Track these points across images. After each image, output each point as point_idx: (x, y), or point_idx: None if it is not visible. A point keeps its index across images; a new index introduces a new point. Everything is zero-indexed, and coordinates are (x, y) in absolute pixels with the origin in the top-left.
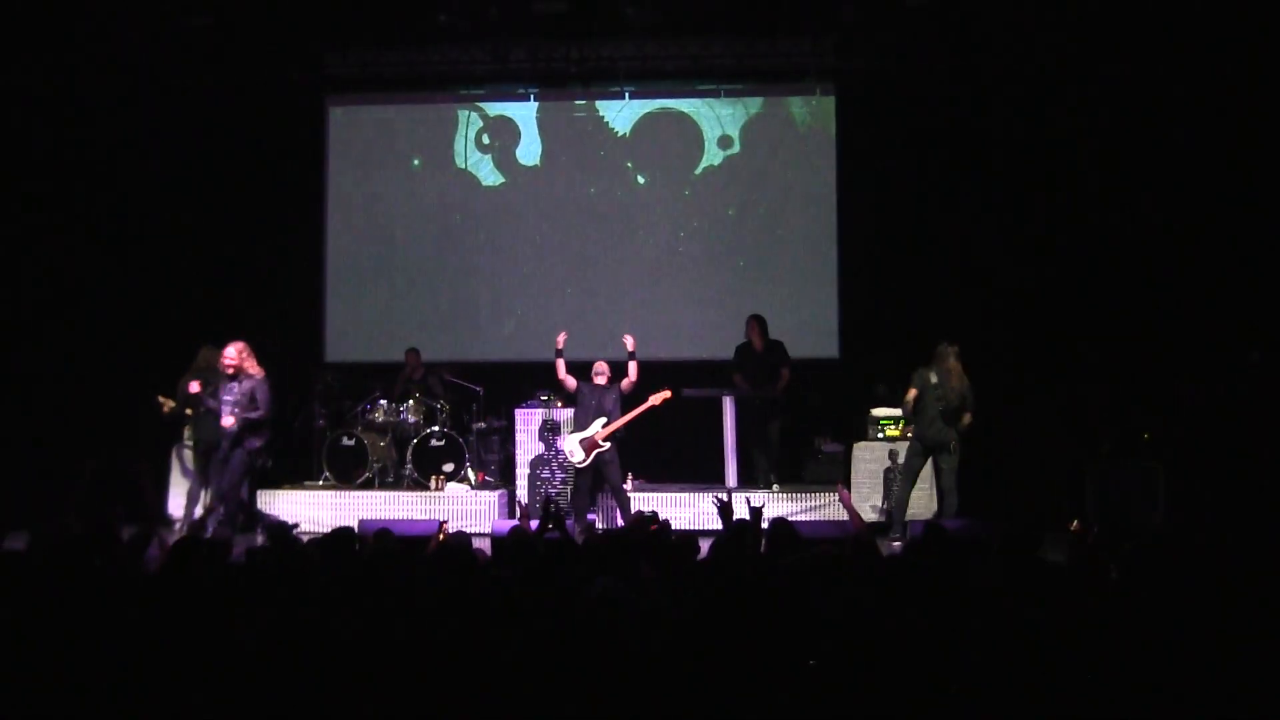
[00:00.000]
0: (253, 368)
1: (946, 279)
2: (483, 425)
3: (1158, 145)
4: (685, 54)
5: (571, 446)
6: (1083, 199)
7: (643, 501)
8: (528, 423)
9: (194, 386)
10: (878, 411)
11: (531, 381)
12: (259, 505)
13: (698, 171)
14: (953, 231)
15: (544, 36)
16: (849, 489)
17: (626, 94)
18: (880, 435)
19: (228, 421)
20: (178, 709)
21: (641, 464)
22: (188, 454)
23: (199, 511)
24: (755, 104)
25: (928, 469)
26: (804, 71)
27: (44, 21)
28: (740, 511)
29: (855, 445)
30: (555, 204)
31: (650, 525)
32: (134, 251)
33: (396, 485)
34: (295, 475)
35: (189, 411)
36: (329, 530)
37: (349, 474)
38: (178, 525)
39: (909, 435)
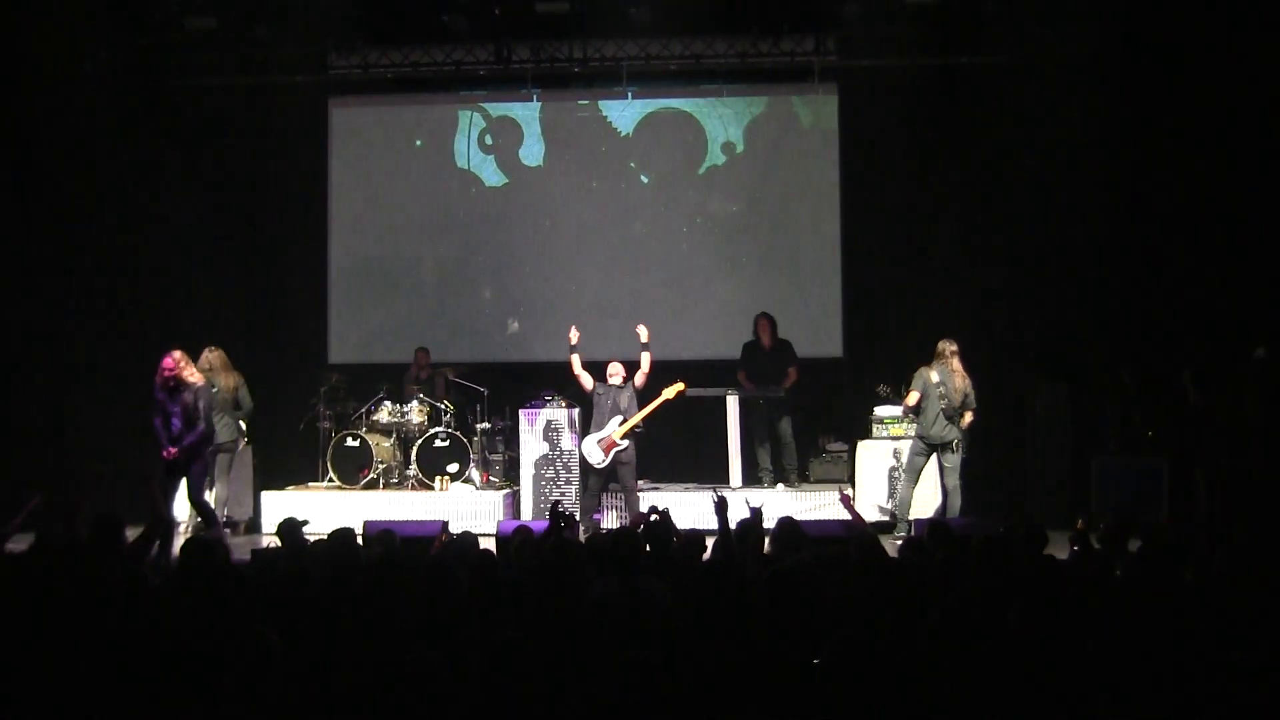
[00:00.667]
0: (192, 375)
1: (950, 277)
2: (487, 426)
3: (1163, 141)
4: (688, 53)
5: (589, 448)
6: (1086, 195)
7: (647, 501)
8: (532, 423)
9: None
10: (882, 410)
11: (536, 382)
12: (262, 506)
13: (701, 171)
14: (956, 229)
15: (547, 36)
16: (854, 487)
17: (629, 94)
18: (885, 434)
19: (170, 453)
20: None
21: (647, 463)
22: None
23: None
24: (758, 103)
25: (932, 467)
26: (807, 70)
27: (47, 21)
28: (740, 511)
29: (860, 444)
30: (558, 204)
31: (649, 516)
32: (137, 252)
33: (401, 486)
34: (300, 476)
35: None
36: (330, 531)
37: (353, 475)
38: (182, 527)
39: (912, 434)
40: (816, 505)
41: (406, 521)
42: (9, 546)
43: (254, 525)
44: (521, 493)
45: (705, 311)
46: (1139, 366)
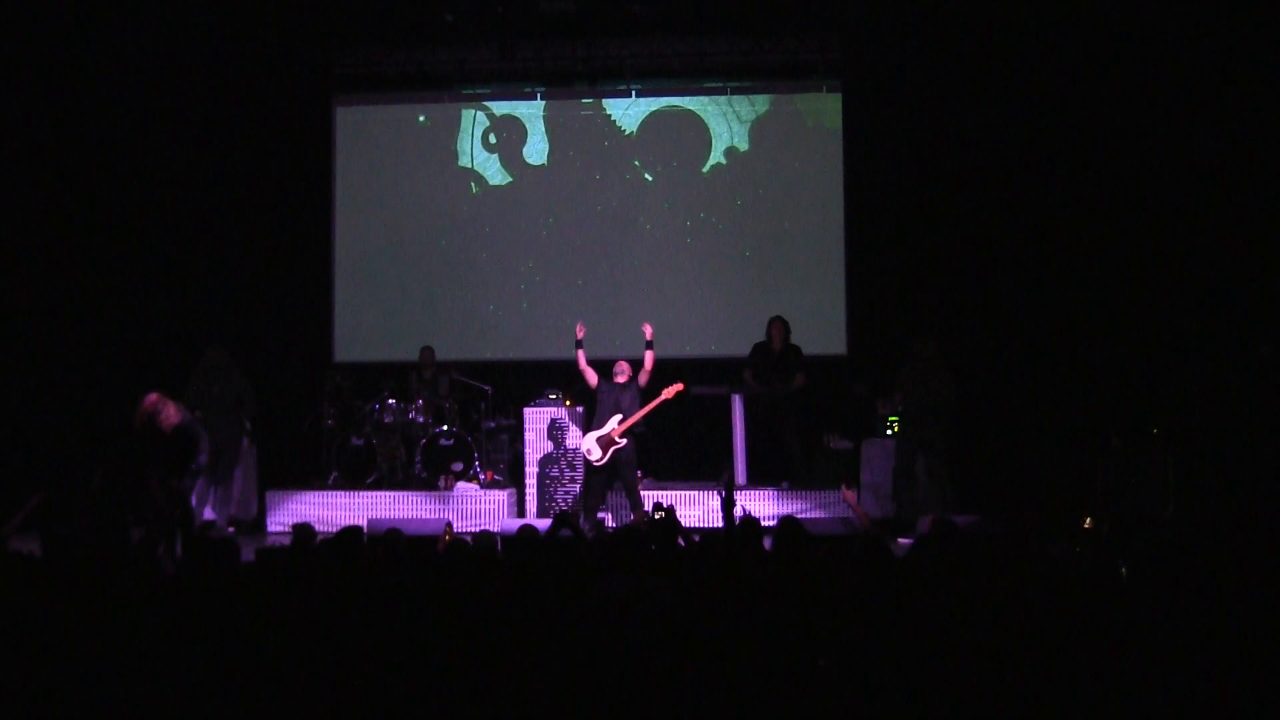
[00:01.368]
0: (172, 415)
1: (954, 275)
2: (491, 424)
3: (1168, 138)
4: (692, 52)
5: (589, 444)
6: (1092, 192)
7: (651, 499)
8: (536, 421)
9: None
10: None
11: (540, 380)
12: (267, 505)
13: (705, 169)
14: (960, 227)
15: (551, 35)
16: (858, 486)
17: (633, 92)
18: (889, 432)
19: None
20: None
21: (651, 462)
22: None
23: (208, 513)
24: (763, 101)
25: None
26: (811, 68)
27: (51, 21)
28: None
29: (864, 442)
30: (563, 203)
31: (654, 515)
32: (142, 252)
33: (406, 485)
34: (304, 476)
35: (197, 413)
36: (336, 531)
37: (358, 474)
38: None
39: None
40: (820, 504)
41: (411, 520)
42: (12, 546)
43: (258, 525)
44: (526, 491)
45: (709, 310)
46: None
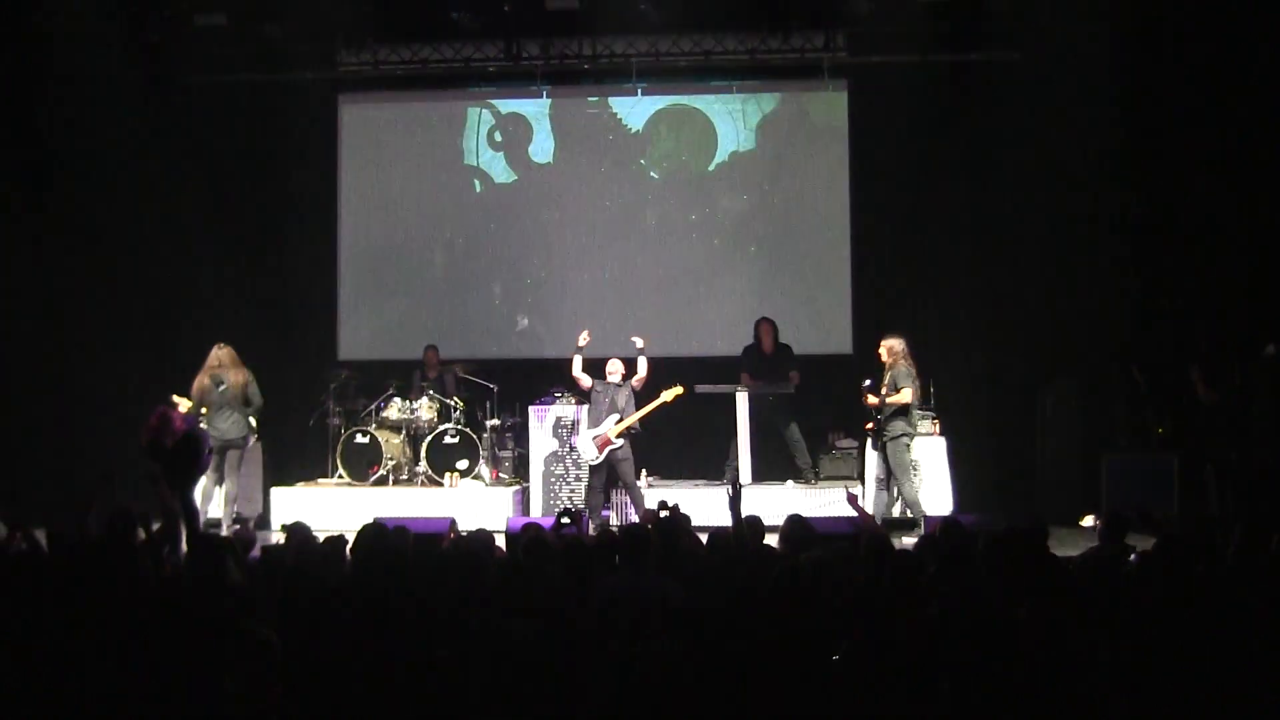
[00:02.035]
0: (177, 426)
1: (959, 274)
2: (497, 422)
3: (1172, 137)
4: (698, 50)
5: (584, 444)
6: (1096, 192)
7: (656, 497)
8: (542, 419)
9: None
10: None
11: (546, 378)
12: (272, 502)
13: (711, 168)
14: (966, 226)
15: (556, 33)
16: (862, 484)
17: (639, 90)
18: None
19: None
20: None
21: (654, 460)
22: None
23: (214, 510)
24: (768, 99)
25: (936, 464)
26: (816, 66)
27: (55, 20)
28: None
29: (869, 440)
30: (568, 201)
31: (659, 513)
32: (148, 249)
33: (410, 483)
34: (309, 472)
35: (204, 410)
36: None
37: (363, 471)
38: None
39: (920, 431)
40: (826, 502)
41: (416, 518)
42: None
43: (263, 522)
44: (531, 489)
45: (714, 308)
46: (1149, 363)
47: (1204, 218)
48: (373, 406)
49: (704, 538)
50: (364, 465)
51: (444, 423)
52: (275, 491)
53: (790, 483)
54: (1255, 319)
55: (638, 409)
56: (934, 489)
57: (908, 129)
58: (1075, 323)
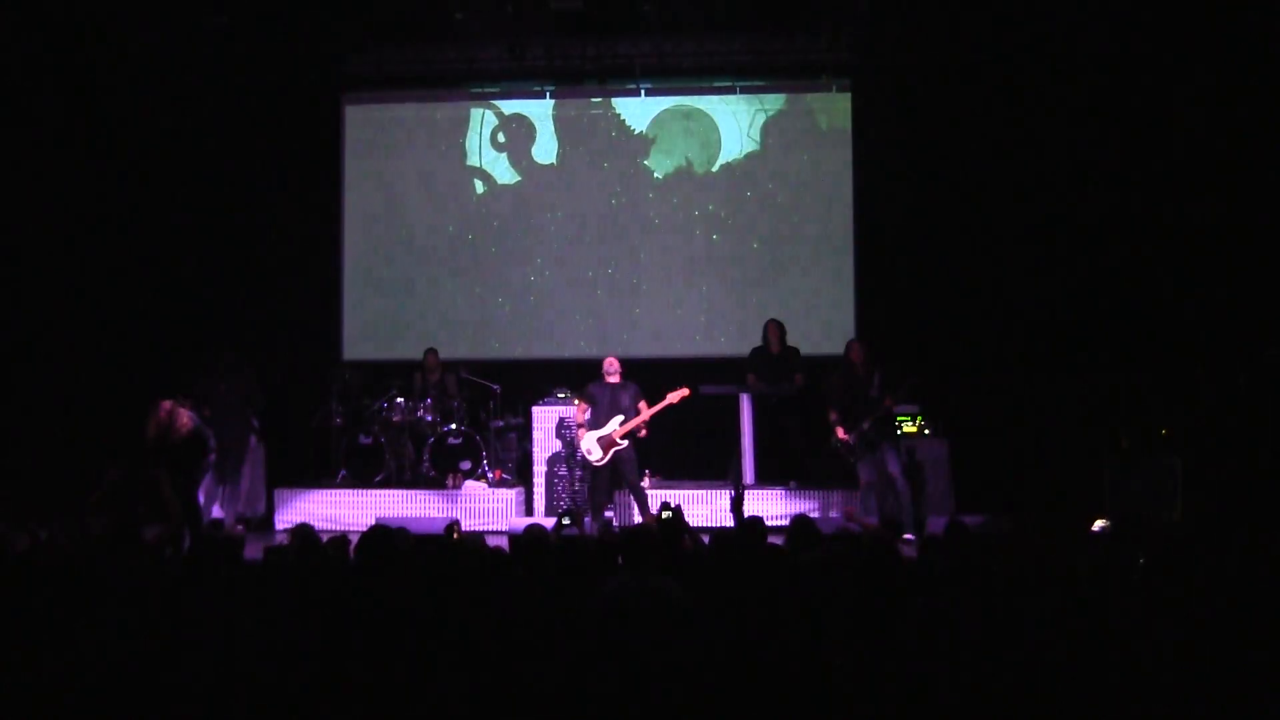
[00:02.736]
0: (184, 422)
1: (964, 275)
2: (500, 423)
3: (1179, 139)
4: (701, 50)
5: (589, 445)
6: (1102, 194)
7: (658, 498)
8: (545, 420)
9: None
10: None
11: (549, 379)
12: (275, 503)
13: (715, 168)
14: (970, 227)
15: (560, 34)
16: (858, 485)
17: (643, 91)
18: (899, 432)
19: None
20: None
21: (658, 461)
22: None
23: (216, 511)
24: (772, 100)
25: (937, 466)
26: (820, 67)
27: (60, 20)
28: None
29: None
30: (571, 202)
31: (662, 514)
32: (151, 252)
33: (414, 484)
34: (312, 474)
35: (206, 412)
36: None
37: (366, 472)
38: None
39: (926, 432)
40: (830, 503)
41: (419, 519)
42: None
43: (266, 523)
44: (534, 490)
45: (718, 309)
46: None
47: (1208, 218)
48: (375, 407)
49: (706, 539)
50: (367, 466)
51: (447, 424)
52: (278, 492)
53: (793, 484)
54: (1258, 320)
55: (641, 410)
56: (936, 491)
57: (911, 129)
58: (1078, 324)
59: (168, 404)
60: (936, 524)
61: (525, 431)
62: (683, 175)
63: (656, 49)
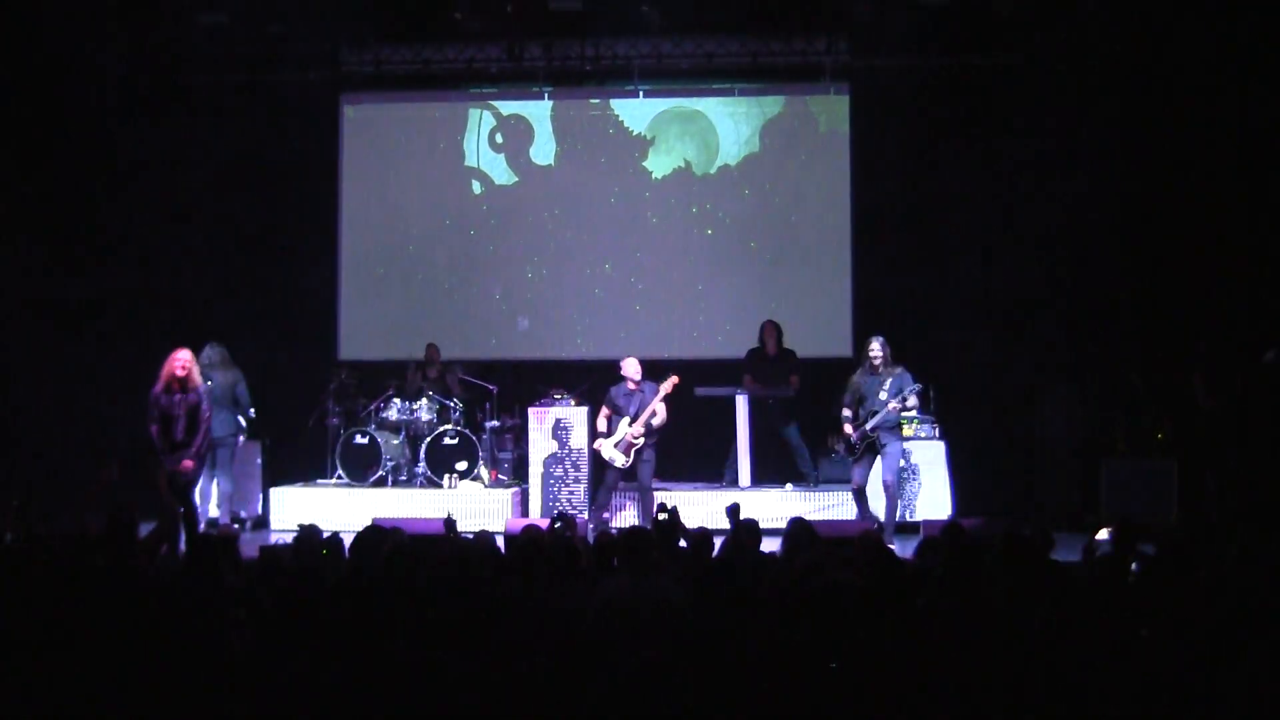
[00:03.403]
0: (198, 378)
1: (961, 278)
2: (496, 424)
3: (1175, 142)
4: (700, 52)
5: (610, 453)
6: (1097, 196)
7: (656, 500)
8: (541, 421)
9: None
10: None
11: (545, 380)
12: (271, 503)
13: (713, 170)
14: (967, 230)
15: (558, 35)
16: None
17: (641, 92)
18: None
19: (188, 465)
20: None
21: (655, 462)
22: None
23: (212, 509)
24: (770, 103)
25: (936, 467)
26: (819, 70)
27: (58, 19)
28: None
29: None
30: (569, 203)
31: (659, 516)
32: (148, 248)
33: (410, 484)
34: (308, 473)
35: (207, 382)
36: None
37: (362, 472)
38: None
39: (922, 435)
40: (826, 506)
41: (415, 519)
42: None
43: (262, 522)
44: (530, 491)
45: (715, 311)
46: (1148, 368)
47: (1206, 222)
48: (372, 407)
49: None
50: (363, 466)
51: (443, 424)
52: (274, 491)
53: (789, 486)
54: (1256, 324)
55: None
56: (934, 492)
57: (910, 132)
58: (1076, 327)
59: (189, 353)
60: (934, 526)
61: (521, 432)
62: (680, 177)
63: (655, 50)
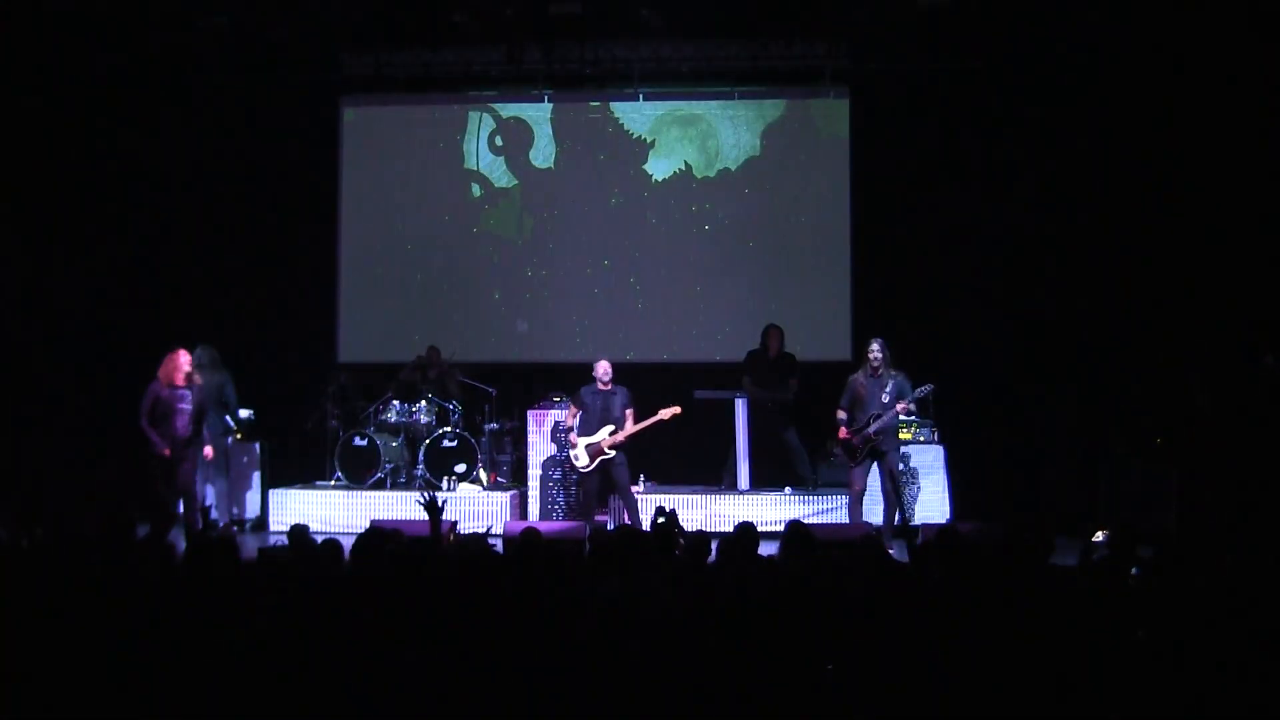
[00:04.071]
0: (197, 379)
1: (959, 282)
2: (495, 426)
3: (1172, 146)
4: (699, 56)
5: (578, 450)
6: (1096, 200)
7: (653, 502)
8: (540, 424)
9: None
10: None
11: (544, 382)
12: (270, 505)
13: (712, 174)
14: (965, 234)
15: (558, 38)
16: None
17: (641, 95)
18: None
19: (209, 452)
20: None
21: (652, 465)
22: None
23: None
24: (770, 106)
25: (934, 471)
26: (818, 74)
27: (58, 20)
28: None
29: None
30: (569, 206)
31: (656, 519)
32: (147, 250)
33: (408, 486)
34: (307, 475)
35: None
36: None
37: (361, 474)
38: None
39: (921, 439)
40: (824, 509)
41: (414, 521)
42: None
43: (262, 524)
44: (529, 494)
45: (714, 315)
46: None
47: (1205, 225)
48: (371, 409)
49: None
50: (362, 468)
51: (442, 426)
52: (273, 493)
53: (788, 489)
54: (1254, 329)
55: (631, 421)
56: (932, 496)
57: (909, 136)
58: (1075, 331)
59: (185, 354)
60: (932, 530)
61: (520, 435)
62: (680, 180)
63: (655, 54)
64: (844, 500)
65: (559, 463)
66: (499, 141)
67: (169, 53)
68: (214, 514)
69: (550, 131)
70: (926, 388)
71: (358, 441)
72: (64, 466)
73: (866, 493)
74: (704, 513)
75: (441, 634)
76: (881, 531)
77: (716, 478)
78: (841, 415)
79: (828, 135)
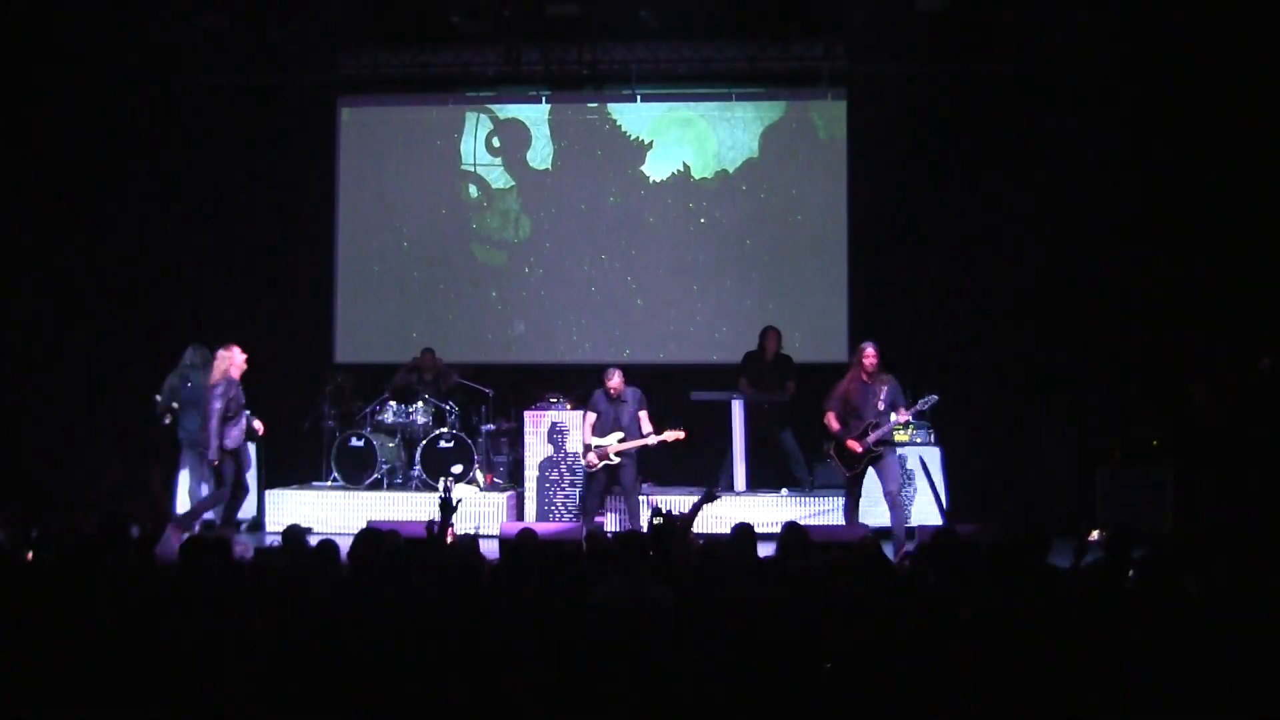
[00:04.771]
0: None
1: (956, 284)
2: (492, 427)
3: (1172, 149)
4: (697, 57)
5: (590, 453)
6: (1094, 203)
7: (651, 504)
8: (537, 425)
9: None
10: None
11: (541, 383)
12: (266, 505)
13: (710, 175)
14: (963, 236)
15: (556, 39)
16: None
17: (638, 97)
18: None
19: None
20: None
21: (649, 466)
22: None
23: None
24: (768, 108)
25: (934, 474)
26: (816, 75)
27: (57, 20)
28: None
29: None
30: (566, 207)
31: (653, 520)
32: (145, 251)
33: (405, 487)
34: (303, 476)
35: (175, 406)
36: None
37: (357, 475)
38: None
39: (917, 441)
40: (821, 511)
41: (410, 522)
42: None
43: (258, 524)
44: (526, 495)
45: (711, 316)
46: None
47: (1203, 229)
48: (368, 410)
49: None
50: (358, 469)
51: (439, 427)
52: (270, 494)
53: (784, 490)
54: (1253, 332)
55: (642, 428)
56: (929, 499)
57: (907, 139)
58: (1072, 333)
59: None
60: (929, 533)
61: (517, 436)
62: (677, 181)
63: (653, 55)
64: (840, 502)
65: (556, 463)
66: (496, 142)
67: (167, 52)
68: (213, 516)
69: (548, 132)
70: (932, 398)
71: (354, 442)
72: (64, 467)
73: (863, 496)
74: (702, 515)
75: (437, 636)
76: (895, 536)
77: (714, 479)
78: (835, 425)
79: (825, 137)
